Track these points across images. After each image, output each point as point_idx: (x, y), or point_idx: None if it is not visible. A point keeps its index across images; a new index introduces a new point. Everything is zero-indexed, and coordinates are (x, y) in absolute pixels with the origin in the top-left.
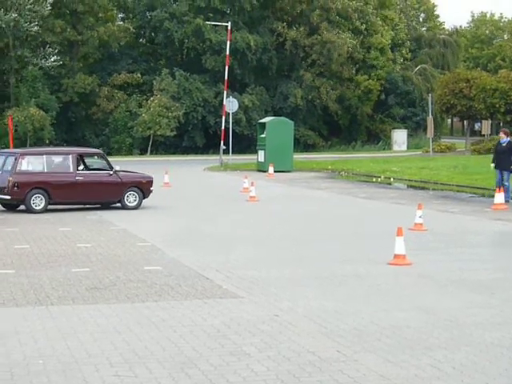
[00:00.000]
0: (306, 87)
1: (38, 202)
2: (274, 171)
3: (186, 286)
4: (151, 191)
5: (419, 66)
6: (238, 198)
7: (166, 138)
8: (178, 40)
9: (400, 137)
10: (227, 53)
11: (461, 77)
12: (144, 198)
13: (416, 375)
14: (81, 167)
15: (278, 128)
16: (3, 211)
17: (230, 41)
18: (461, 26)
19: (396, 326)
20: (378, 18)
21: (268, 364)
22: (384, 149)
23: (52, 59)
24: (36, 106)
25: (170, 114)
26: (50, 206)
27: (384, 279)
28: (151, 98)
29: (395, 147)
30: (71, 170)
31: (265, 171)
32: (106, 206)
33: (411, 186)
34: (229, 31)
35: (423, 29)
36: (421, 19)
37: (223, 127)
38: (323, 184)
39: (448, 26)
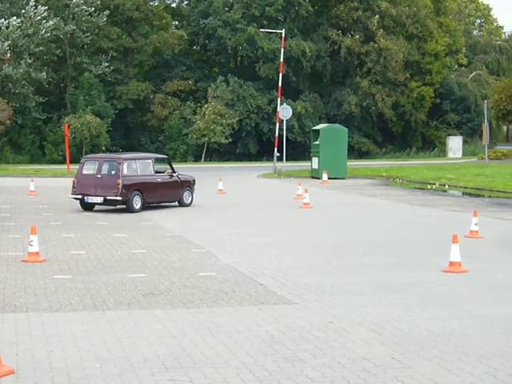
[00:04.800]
0: (362, 94)
1: (137, 201)
2: (328, 178)
3: (240, 292)
4: (194, 190)
5: (474, 73)
6: (292, 205)
7: (220, 145)
8: (232, 47)
9: (455, 143)
10: (281, 60)
11: None
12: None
13: (472, 383)
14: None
15: (331, 135)
16: (61, 218)
17: (284, 48)
18: None
19: (451, 334)
20: (434, 24)
21: (323, 370)
22: (439, 156)
23: (104, 65)
24: (92, 113)
25: (224, 121)
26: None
27: (439, 287)
28: (205, 105)
29: (450, 154)
30: (152, 173)
31: (319, 178)
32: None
33: (466, 193)
34: (283, 38)
35: (479, 33)
36: (476, 24)
37: (277, 134)
38: (377, 191)
39: (506, 29)
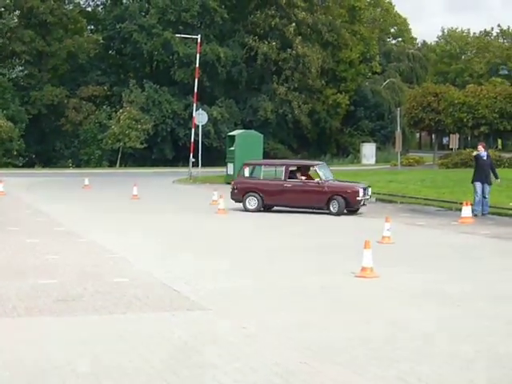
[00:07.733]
0: (278, 101)
1: (253, 203)
2: None
3: (154, 298)
4: (358, 201)
5: (388, 80)
6: (207, 211)
7: (135, 150)
8: (147, 52)
9: (369, 150)
10: (197, 65)
11: (429, 90)
12: (348, 207)
13: None
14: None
15: (247, 141)
16: None
17: (200, 53)
18: (427, 42)
19: (362, 338)
20: (347, 33)
21: (234, 376)
22: (353, 162)
23: (18, 69)
24: (6, 117)
25: (139, 126)
26: None
27: (351, 292)
28: (120, 110)
29: (364, 160)
30: (282, 179)
31: None
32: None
33: (379, 199)
34: (198, 44)
35: (393, 42)
36: (391, 33)
37: (192, 139)
38: None
39: (419, 40)
